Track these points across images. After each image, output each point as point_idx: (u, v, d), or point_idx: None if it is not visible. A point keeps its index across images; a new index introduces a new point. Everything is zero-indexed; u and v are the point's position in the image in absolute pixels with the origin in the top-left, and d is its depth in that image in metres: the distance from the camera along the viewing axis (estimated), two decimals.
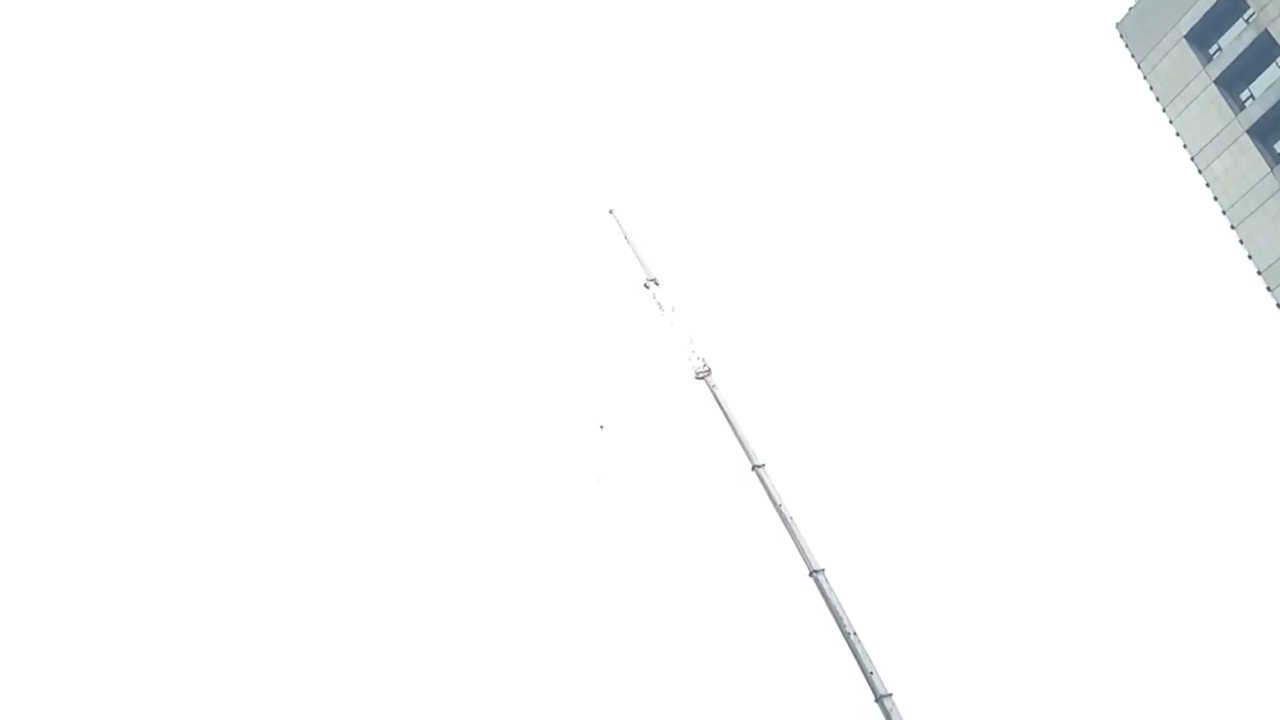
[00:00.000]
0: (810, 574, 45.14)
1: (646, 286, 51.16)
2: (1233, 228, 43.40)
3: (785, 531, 47.40)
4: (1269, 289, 42.44)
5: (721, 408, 53.19)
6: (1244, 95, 43.45)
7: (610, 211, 52.98)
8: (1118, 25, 48.87)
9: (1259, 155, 41.91)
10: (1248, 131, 42.45)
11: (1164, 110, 46.24)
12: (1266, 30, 41.32)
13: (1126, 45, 48.36)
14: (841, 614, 43.45)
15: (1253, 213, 42.17)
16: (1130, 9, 47.93)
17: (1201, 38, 44.71)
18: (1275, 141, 42.47)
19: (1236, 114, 43.14)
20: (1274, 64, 42.31)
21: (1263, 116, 41.94)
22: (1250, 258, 42.90)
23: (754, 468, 49.75)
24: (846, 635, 43.11)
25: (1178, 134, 45.75)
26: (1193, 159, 45.12)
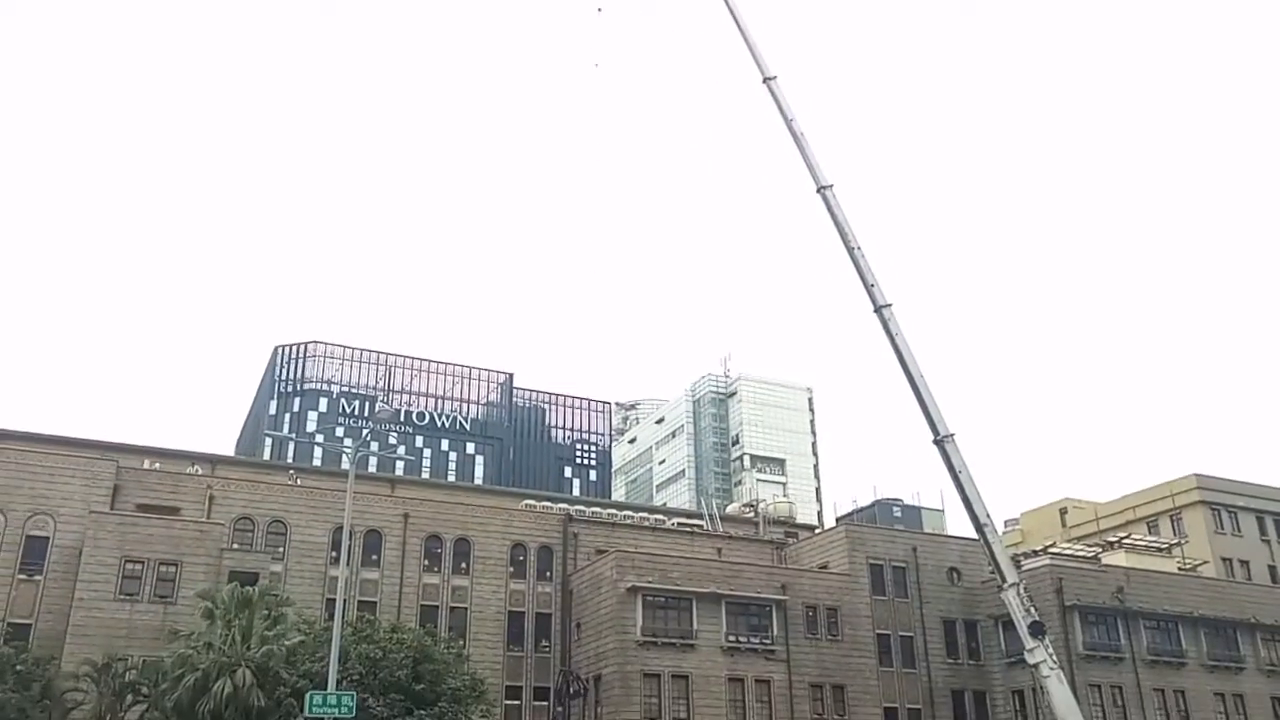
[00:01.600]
0: (818, 190, 46.71)
1: None
2: None
3: (795, 147, 48.01)
4: None
5: (730, 10, 50.78)
6: None
7: None
8: None
9: None
10: None
11: None
12: None
13: None
14: (847, 230, 45.83)
15: None
16: None
17: None
18: None
19: None
20: None
21: None
22: None
23: (765, 80, 48.94)
24: (850, 250, 45.76)
25: None
26: None
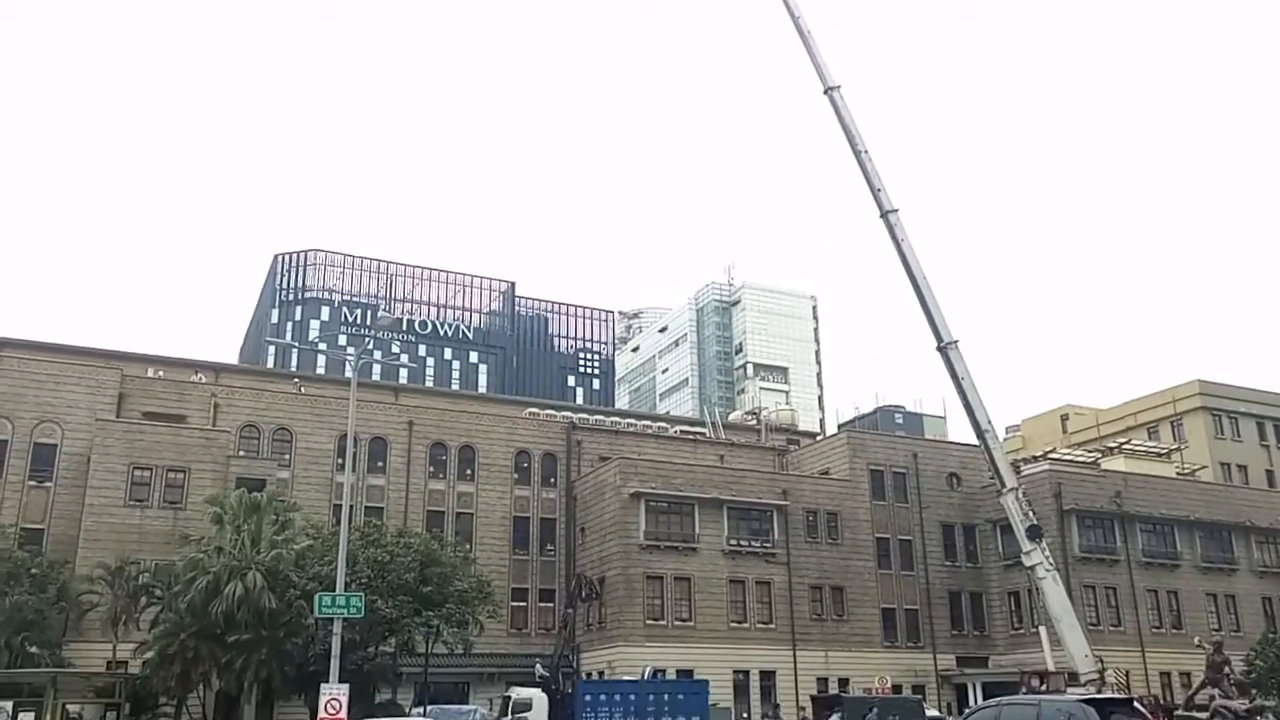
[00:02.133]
0: (825, 91, 45.61)
1: None
2: None
3: (802, 46, 46.77)
4: None
5: None
6: None
7: None
8: None
9: None
10: None
11: None
12: None
13: None
14: (854, 132, 44.92)
15: None
16: None
17: None
18: None
19: None
20: None
21: None
22: None
23: None
24: (858, 154, 44.89)
25: None
26: None
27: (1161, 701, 38.91)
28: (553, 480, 57.77)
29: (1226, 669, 21.78)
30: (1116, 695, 26.90)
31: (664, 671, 45.93)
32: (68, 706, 37.99)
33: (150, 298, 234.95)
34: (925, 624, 55.49)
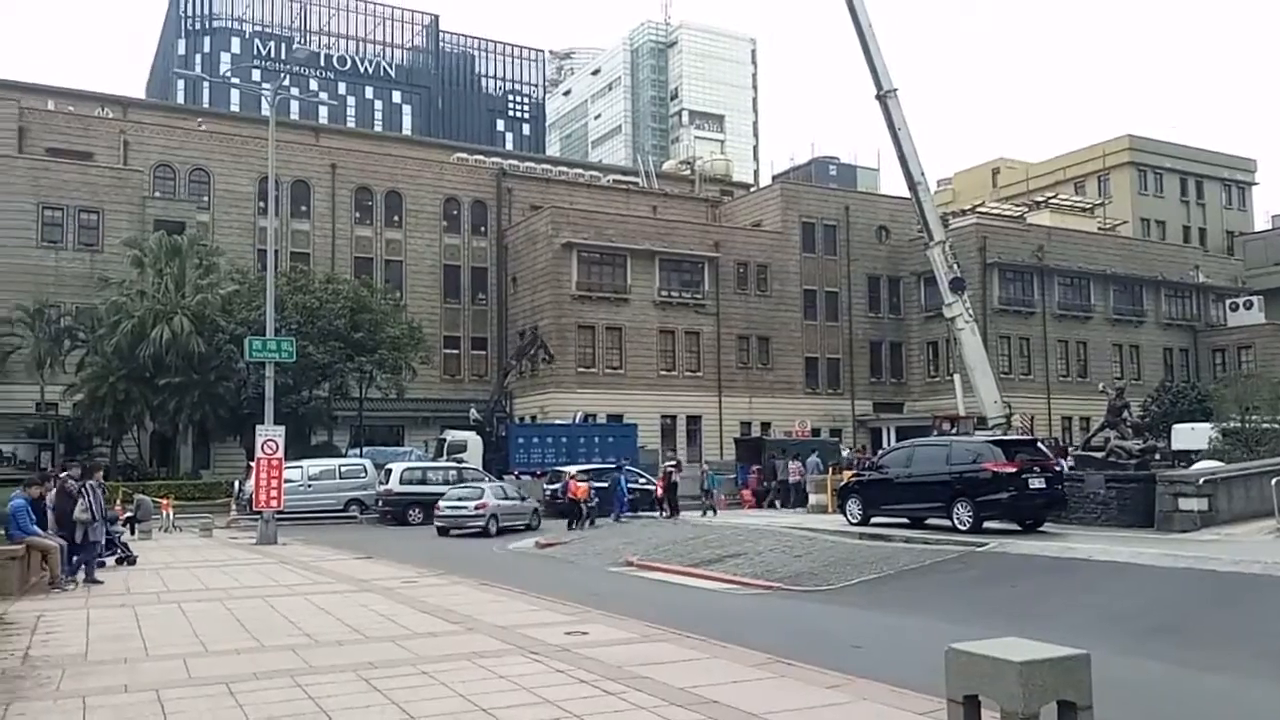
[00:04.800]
0: None
1: None
2: None
3: None
4: None
5: None
6: None
7: None
8: None
9: None
10: None
11: None
12: None
13: None
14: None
15: None
16: None
17: None
18: None
19: None
20: None
21: None
22: None
23: None
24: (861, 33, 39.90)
25: None
26: None
27: (1061, 443, 41.57)
28: (483, 229, 56.80)
29: (1125, 413, 22.99)
30: (1021, 437, 28.56)
31: (594, 416, 47.52)
32: (1, 447, 38.07)
33: (47, 25, 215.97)
34: (846, 372, 57.74)
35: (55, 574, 14.17)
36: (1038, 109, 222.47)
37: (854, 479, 22.84)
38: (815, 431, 50.22)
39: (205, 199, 49.87)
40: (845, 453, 42.14)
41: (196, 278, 40.28)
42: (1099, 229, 65.84)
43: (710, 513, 28.53)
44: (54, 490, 15.29)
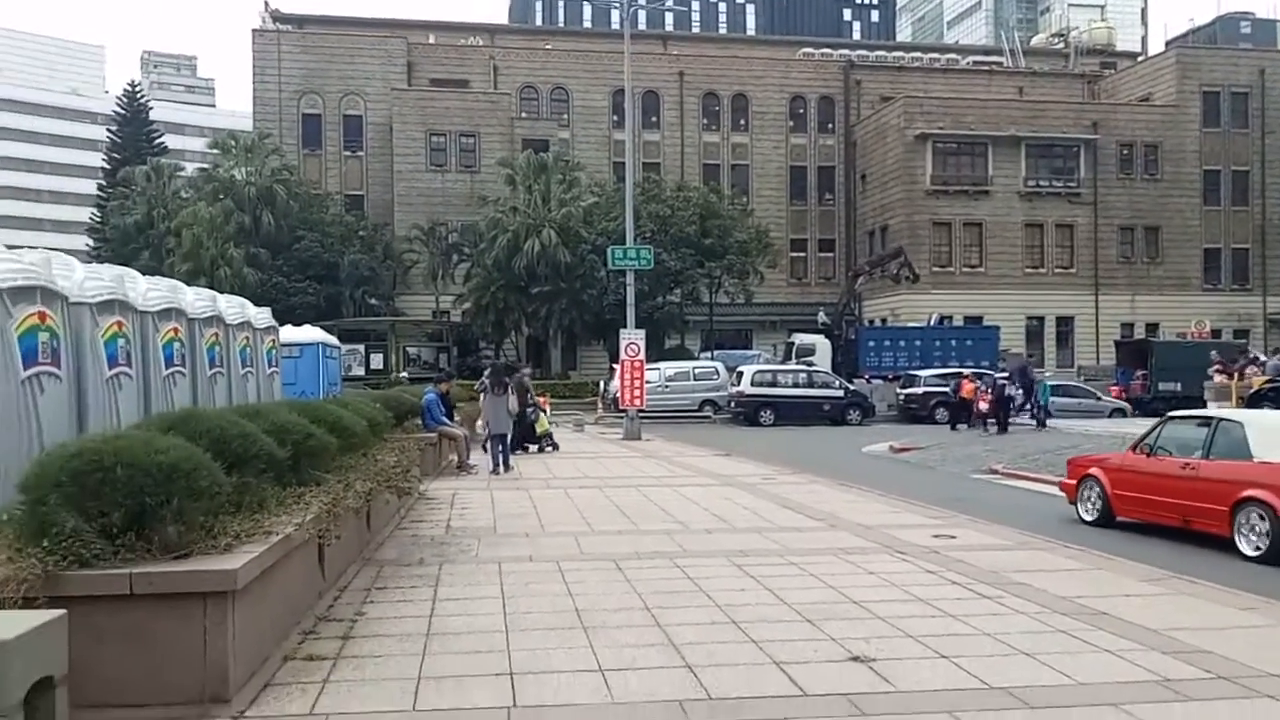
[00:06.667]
0: None
1: None
2: None
3: None
4: None
5: None
6: None
7: None
8: None
9: None
10: None
11: None
12: None
13: None
14: None
15: None
16: None
17: None
18: None
19: None
20: None
21: None
22: None
23: None
24: None
25: None
26: None
27: None
28: (830, 126, 55.19)
29: None
30: None
31: (950, 318, 45.09)
32: (406, 349, 43.42)
33: None
34: (1256, 264, 50.12)
35: (462, 458, 15.74)
36: None
37: (1267, 385, 19.73)
38: (1215, 333, 44.27)
39: (565, 116, 52.70)
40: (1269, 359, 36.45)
41: (560, 192, 42.88)
42: None
43: (1040, 426, 25.72)
44: (490, 387, 16.16)
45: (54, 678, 3.61)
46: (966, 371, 29.48)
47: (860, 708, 4.59)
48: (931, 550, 8.45)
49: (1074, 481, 11.89)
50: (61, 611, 3.74)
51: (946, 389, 30.62)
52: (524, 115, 51.81)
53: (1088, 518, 11.50)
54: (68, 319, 6.18)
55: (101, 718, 4.15)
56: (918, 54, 64.62)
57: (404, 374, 37.05)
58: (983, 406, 26.45)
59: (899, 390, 33.44)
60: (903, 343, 40.10)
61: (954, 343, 39.99)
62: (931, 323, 42.86)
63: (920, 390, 32.58)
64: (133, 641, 4.32)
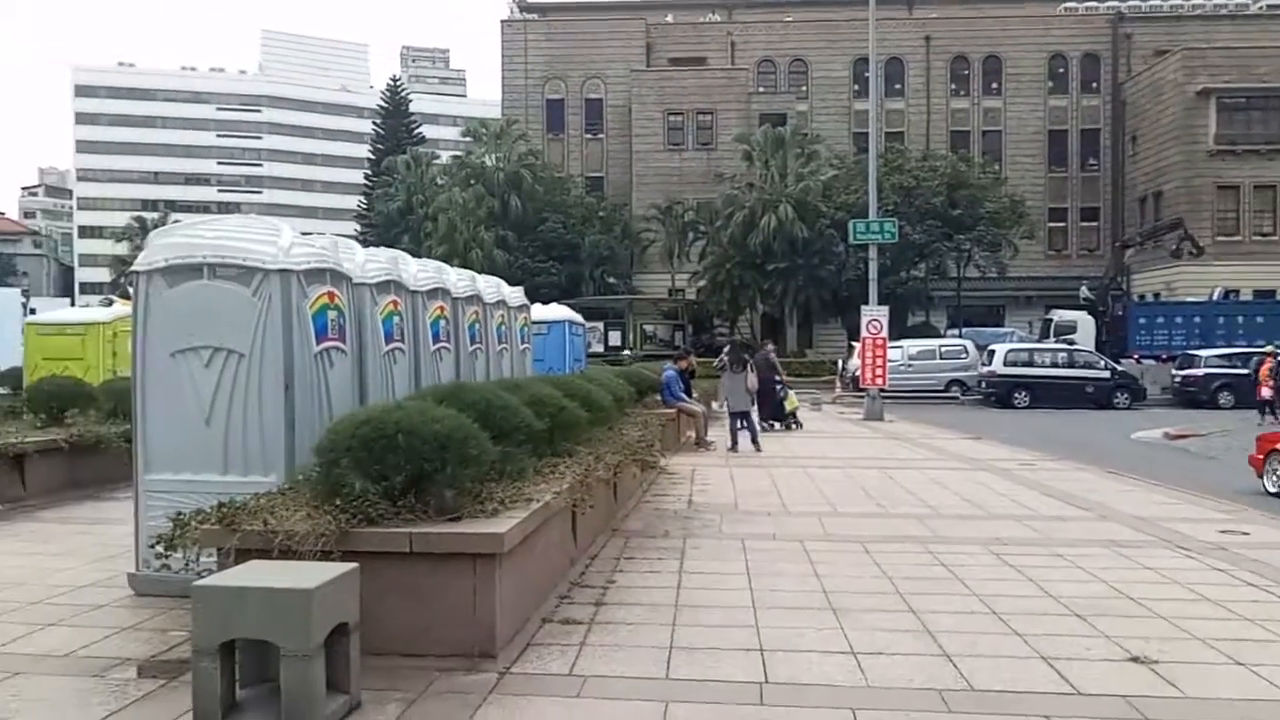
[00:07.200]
0: None
1: None
2: None
3: None
4: None
5: None
6: None
7: None
8: None
9: None
10: None
11: None
12: None
13: None
14: None
15: None
16: None
17: None
18: None
19: None
20: None
21: None
22: None
23: None
24: None
25: None
26: None
27: None
28: (1094, 85, 51.09)
29: None
30: None
31: (1237, 293, 40.63)
32: (644, 326, 44.44)
33: None
34: None
35: (700, 435, 15.85)
36: None
37: None
38: None
39: (803, 88, 51.83)
40: None
41: (798, 166, 42.31)
42: None
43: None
44: (730, 365, 16.23)
45: (349, 624, 3.96)
46: (1268, 349, 26.40)
47: (1142, 711, 4.22)
48: (1218, 546, 7.67)
49: (1262, 456, 12.52)
50: (354, 565, 4.10)
51: (1230, 370, 27.71)
52: (761, 90, 51.44)
53: (1273, 490, 11.97)
54: (351, 298, 6.71)
55: (386, 663, 4.50)
56: (1198, 1, 58.48)
57: (626, 351, 37.92)
58: (1265, 393, 23.76)
59: (1174, 371, 30.60)
60: (1179, 319, 36.52)
61: (1241, 319, 35.97)
62: (1215, 297, 38.74)
63: (1200, 371, 29.65)
64: (410, 597, 4.65)
